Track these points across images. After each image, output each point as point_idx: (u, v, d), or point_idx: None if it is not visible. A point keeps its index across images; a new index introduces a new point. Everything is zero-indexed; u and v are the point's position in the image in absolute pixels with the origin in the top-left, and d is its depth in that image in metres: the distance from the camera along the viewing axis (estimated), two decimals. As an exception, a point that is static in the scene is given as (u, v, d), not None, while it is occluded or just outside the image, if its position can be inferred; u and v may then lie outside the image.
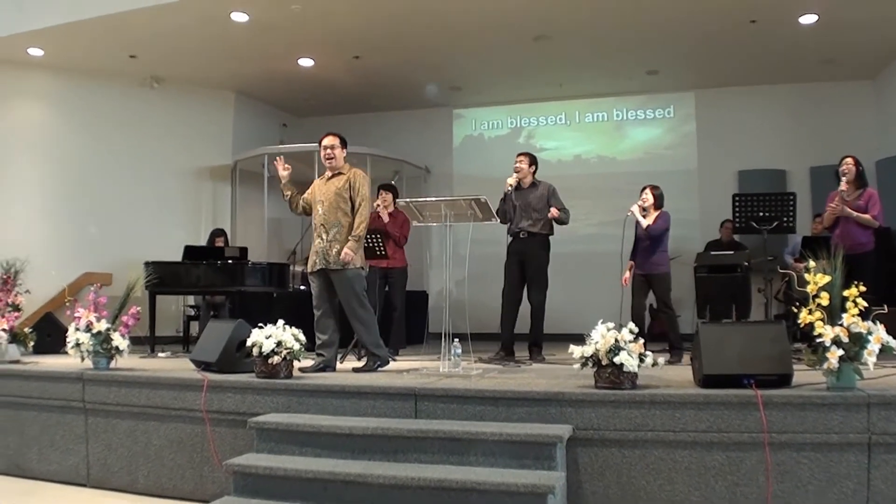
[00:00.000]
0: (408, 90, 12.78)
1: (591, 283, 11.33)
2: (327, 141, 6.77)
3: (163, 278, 8.72)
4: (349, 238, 6.51)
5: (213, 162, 12.45)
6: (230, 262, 9.28)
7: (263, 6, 9.22)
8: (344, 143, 6.83)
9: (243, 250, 9.77)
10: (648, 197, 7.96)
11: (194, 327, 9.93)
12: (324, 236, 6.60)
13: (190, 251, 9.59)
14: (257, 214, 12.38)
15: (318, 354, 6.56)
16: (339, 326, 6.73)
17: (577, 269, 11.55)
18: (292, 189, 6.97)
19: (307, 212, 7.00)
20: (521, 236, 7.97)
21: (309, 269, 6.72)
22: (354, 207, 6.60)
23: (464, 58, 11.26)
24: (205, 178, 12.41)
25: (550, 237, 8.08)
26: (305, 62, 11.30)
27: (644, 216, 7.92)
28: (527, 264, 7.94)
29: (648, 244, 7.86)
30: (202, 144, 12.36)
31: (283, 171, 6.95)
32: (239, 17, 9.45)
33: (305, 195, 6.97)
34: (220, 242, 10.45)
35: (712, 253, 10.41)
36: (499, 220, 7.29)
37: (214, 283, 9.10)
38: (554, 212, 7.85)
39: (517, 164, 8.09)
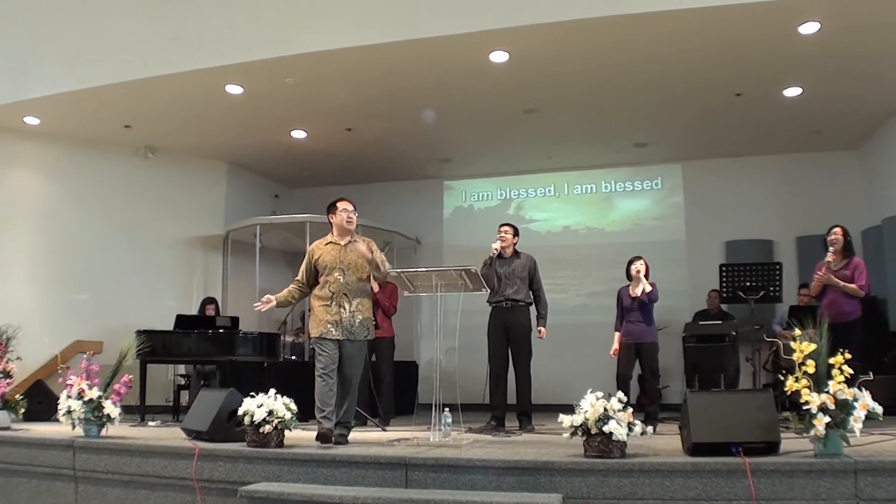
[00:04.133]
0: (399, 162, 12.93)
1: (581, 353, 11.38)
2: (349, 205, 6.57)
3: (154, 347, 8.76)
4: (377, 259, 6.43)
5: (205, 231, 12.51)
6: (221, 331, 9.32)
7: (258, 79, 9.38)
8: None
9: (234, 320, 9.80)
10: (642, 267, 8.14)
11: (184, 396, 9.89)
12: (346, 306, 6.38)
13: (181, 320, 9.61)
14: (248, 284, 12.37)
15: (325, 419, 6.15)
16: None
17: (567, 340, 11.56)
18: (285, 296, 6.56)
19: (312, 285, 6.58)
20: (505, 305, 8.04)
21: (317, 334, 6.34)
22: (380, 266, 6.47)
23: (454, 130, 11.42)
24: (197, 248, 12.47)
25: (531, 305, 8.19)
26: (298, 134, 11.43)
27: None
28: (511, 333, 8.01)
29: (639, 314, 8.03)
30: (195, 214, 12.43)
31: (267, 305, 6.46)
32: (233, 89, 9.61)
33: (313, 261, 6.51)
34: (210, 311, 10.50)
35: (701, 323, 10.47)
36: (487, 290, 7.35)
37: (206, 352, 9.13)
38: (542, 333, 8.08)
39: (502, 234, 8.26)
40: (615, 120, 10.97)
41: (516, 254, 8.24)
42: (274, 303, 6.47)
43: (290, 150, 12.11)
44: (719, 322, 10.26)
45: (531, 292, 8.18)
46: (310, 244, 6.82)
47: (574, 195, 13.38)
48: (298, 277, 6.61)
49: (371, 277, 6.58)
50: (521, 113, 10.54)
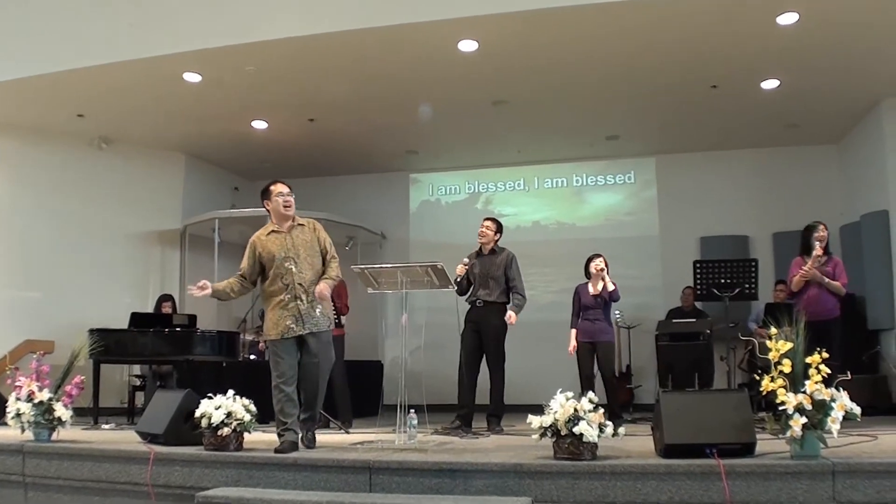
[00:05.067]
0: (364, 154, 12.88)
1: (552, 351, 11.35)
2: (284, 188, 6.31)
3: (108, 346, 8.66)
4: (327, 278, 6.20)
5: (161, 226, 12.40)
6: (178, 329, 9.24)
7: (217, 67, 9.30)
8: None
9: (192, 318, 9.70)
10: (602, 263, 8.24)
11: (140, 398, 9.83)
12: (303, 297, 6.09)
13: (136, 318, 9.50)
14: (207, 279, 12.22)
15: (288, 431, 6.00)
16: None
17: (537, 338, 11.57)
18: (223, 286, 6.32)
19: (255, 281, 6.36)
20: (478, 304, 8.04)
21: (277, 336, 6.11)
22: (327, 256, 6.32)
23: (421, 122, 11.37)
24: (153, 243, 12.35)
25: (507, 305, 8.16)
26: (259, 124, 11.36)
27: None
28: (483, 333, 7.99)
29: (599, 312, 8.16)
30: (151, 208, 12.32)
31: (202, 291, 6.16)
32: (191, 77, 9.51)
33: (256, 254, 6.26)
34: (167, 308, 10.44)
35: (674, 321, 10.53)
36: (456, 290, 7.31)
37: (162, 351, 9.03)
38: (512, 319, 7.93)
39: (483, 229, 8.21)
40: (587, 112, 10.99)
41: (494, 251, 8.21)
42: (209, 291, 6.18)
43: (250, 141, 12.02)
44: (693, 320, 10.33)
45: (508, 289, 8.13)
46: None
47: (544, 189, 13.40)
48: (241, 271, 6.35)
49: (324, 262, 6.33)
50: (491, 104, 10.53)
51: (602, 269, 8.24)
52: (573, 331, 8.38)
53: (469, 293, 8.10)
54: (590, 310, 8.27)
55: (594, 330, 8.20)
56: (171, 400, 6.45)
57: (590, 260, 8.44)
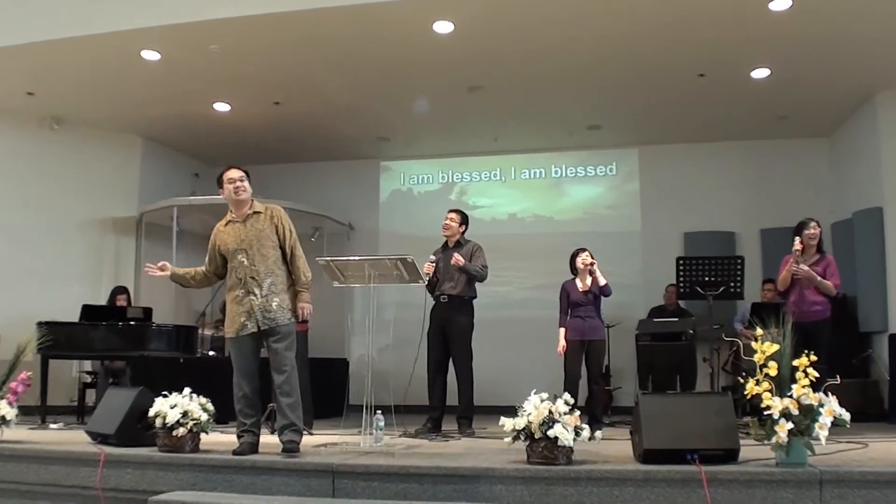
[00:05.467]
0: (332, 140, 12.83)
1: (525, 350, 11.40)
2: (235, 173, 6.13)
3: (57, 340, 8.56)
4: (300, 289, 6.08)
5: (116, 213, 12.28)
6: (133, 323, 9.20)
7: (177, 45, 9.20)
8: (249, 178, 6.28)
9: (148, 311, 9.67)
10: (588, 258, 8.24)
11: (91, 396, 9.74)
12: (257, 291, 5.93)
13: (88, 311, 9.45)
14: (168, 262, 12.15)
15: (248, 433, 5.95)
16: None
17: (512, 336, 11.60)
18: (184, 272, 6.35)
19: (220, 274, 6.29)
20: (442, 300, 8.09)
21: (233, 334, 6.01)
22: (285, 251, 6.15)
23: (393, 107, 11.36)
24: (107, 231, 12.22)
25: (474, 300, 8.20)
26: (221, 107, 11.28)
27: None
28: (448, 330, 8.05)
29: (590, 309, 8.14)
30: (105, 193, 12.19)
31: (161, 272, 6.23)
32: (150, 55, 9.41)
33: (216, 247, 6.21)
34: (121, 301, 10.38)
35: (655, 320, 10.56)
36: (425, 282, 7.29)
37: (115, 346, 8.97)
38: (457, 258, 7.94)
39: (447, 221, 8.27)
40: (567, 100, 10.99)
41: (460, 243, 8.27)
42: (168, 272, 6.20)
43: (212, 124, 11.94)
44: (676, 319, 10.37)
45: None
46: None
47: (521, 180, 13.41)
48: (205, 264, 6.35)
49: (283, 249, 6.15)
50: (466, 90, 10.51)
51: (591, 264, 8.24)
52: (562, 329, 8.35)
53: (437, 287, 8.14)
54: (580, 307, 8.25)
55: (585, 327, 8.18)
56: (124, 398, 6.41)
57: (575, 255, 8.42)
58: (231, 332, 6.05)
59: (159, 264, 6.22)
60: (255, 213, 6.17)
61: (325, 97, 10.93)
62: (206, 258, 6.30)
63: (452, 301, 8.03)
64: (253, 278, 5.99)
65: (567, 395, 5.10)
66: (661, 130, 12.22)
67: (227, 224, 6.23)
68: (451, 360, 8.12)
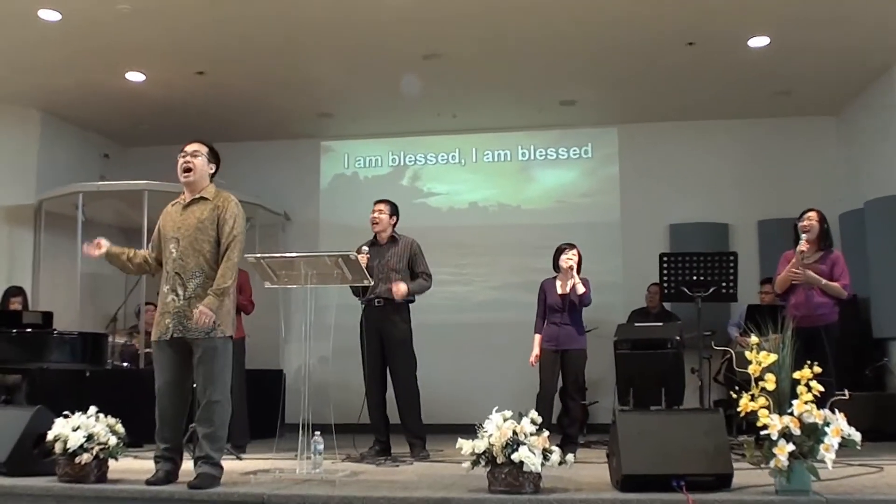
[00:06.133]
0: (265, 116, 12.77)
1: (489, 360, 11.40)
2: (189, 146, 6.11)
3: (-61, 351, 8.47)
4: (209, 292, 5.80)
5: (9, 200, 12.09)
6: (29, 330, 9.09)
7: (80, 3, 9.08)
8: (215, 157, 6.24)
9: (47, 315, 9.53)
10: (574, 259, 8.23)
11: (-23, 415, 9.62)
12: (179, 291, 5.86)
13: (-24, 315, 9.34)
14: (68, 269, 12.00)
15: (163, 460, 5.88)
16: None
17: (471, 344, 11.58)
18: (122, 251, 6.20)
19: (161, 261, 6.14)
20: (377, 304, 8.12)
21: (155, 337, 5.94)
22: (221, 247, 5.97)
23: (336, 78, 11.29)
24: (-1, 221, 12.11)
25: (411, 304, 8.26)
26: (135, 76, 11.15)
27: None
28: (385, 338, 8.11)
29: (566, 315, 8.14)
30: (-2, 175, 12.07)
31: (97, 250, 6.11)
32: (49, 15, 9.28)
33: (158, 229, 6.17)
34: (15, 304, 10.30)
35: (637, 325, 10.57)
36: (370, 282, 7.26)
37: (8, 357, 8.82)
38: (400, 288, 7.99)
39: (375, 214, 8.37)
40: (537, 71, 10.98)
41: (393, 239, 8.34)
42: (104, 250, 6.09)
43: (124, 97, 11.81)
44: (660, 324, 10.38)
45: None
46: (147, 214, 6.53)
47: (484, 163, 13.39)
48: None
49: (221, 245, 5.98)
50: (421, 58, 10.48)
51: (571, 267, 8.22)
52: (537, 336, 8.35)
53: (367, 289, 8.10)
54: (556, 312, 8.24)
55: (560, 335, 8.18)
56: (18, 418, 6.33)
57: (560, 251, 8.40)
58: (153, 336, 6.00)
59: (96, 241, 6.13)
60: (202, 198, 6.07)
61: (257, 66, 10.82)
62: (150, 241, 6.28)
63: (389, 305, 8.08)
64: (178, 274, 5.92)
65: (534, 413, 5.09)
66: (643, 107, 12.25)
67: (173, 206, 6.17)
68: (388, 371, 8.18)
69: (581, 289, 8.13)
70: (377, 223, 8.31)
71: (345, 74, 11.14)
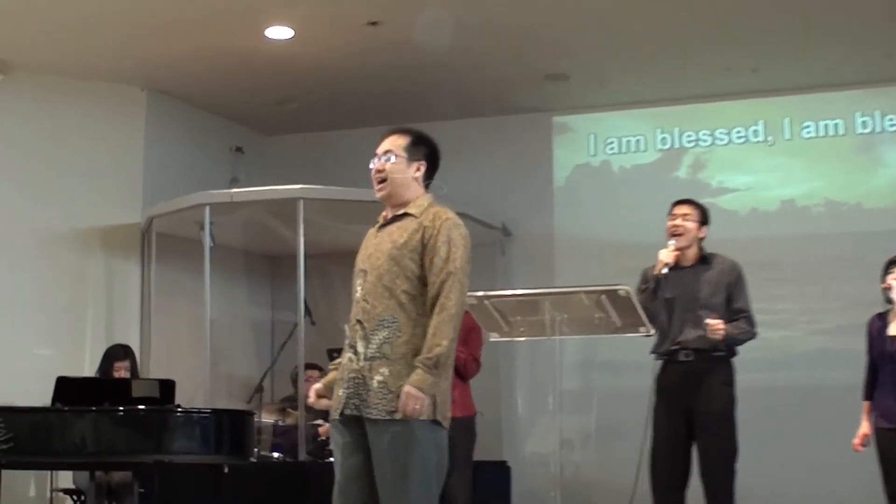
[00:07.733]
0: (466, 83, 12.87)
1: (823, 438, 11.20)
2: (387, 142, 5.76)
3: (17, 437, 8.79)
4: (418, 363, 5.32)
5: (107, 219, 12.37)
6: (142, 408, 9.34)
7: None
8: (422, 151, 5.90)
9: (167, 385, 9.74)
10: None
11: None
12: (360, 347, 5.52)
13: (67, 387, 9.59)
14: (190, 314, 12.24)
15: None
16: None
17: (796, 417, 11.42)
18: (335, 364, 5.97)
19: None
20: (682, 358, 7.92)
21: (333, 416, 5.66)
22: (430, 289, 5.53)
23: (573, 19, 11.21)
24: (92, 247, 12.30)
25: (733, 358, 8.05)
26: (278, 32, 11.34)
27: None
28: (696, 412, 7.90)
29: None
30: (85, 186, 12.23)
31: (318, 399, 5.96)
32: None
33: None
34: (121, 370, 10.54)
35: None
36: (651, 332, 7.21)
37: (113, 446, 9.09)
38: (715, 327, 7.65)
39: (676, 221, 8.14)
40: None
41: (704, 259, 8.14)
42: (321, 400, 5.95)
43: (263, 63, 12.08)
44: None
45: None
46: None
47: (802, 140, 13.18)
48: None
49: (430, 286, 5.53)
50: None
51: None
52: (865, 404, 8.12)
53: (663, 337, 7.99)
54: (889, 365, 7.92)
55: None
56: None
57: (887, 270, 8.11)
58: (333, 411, 5.69)
59: (312, 388, 6.06)
60: (406, 214, 5.73)
61: (455, 8, 10.81)
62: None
63: (701, 357, 7.89)
64: (360, 322, 5.61)
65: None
66: None
67: (374, 227, 5.93)
68: (691, 459, 7.99)
69: None
70: (680, 234, 8.00)
71: (583, 15, 11.11)
